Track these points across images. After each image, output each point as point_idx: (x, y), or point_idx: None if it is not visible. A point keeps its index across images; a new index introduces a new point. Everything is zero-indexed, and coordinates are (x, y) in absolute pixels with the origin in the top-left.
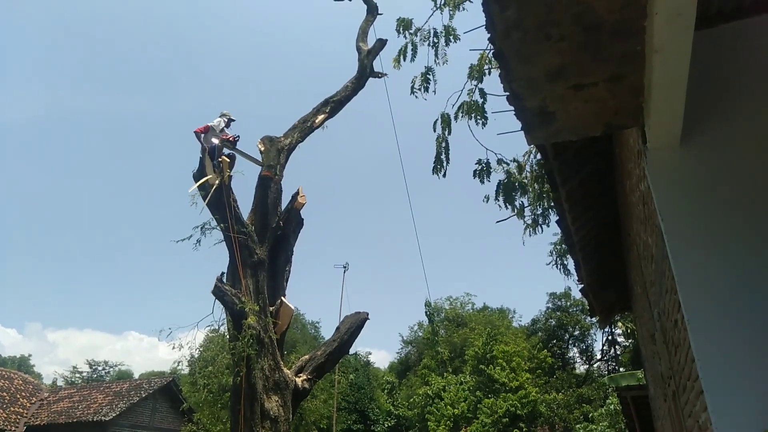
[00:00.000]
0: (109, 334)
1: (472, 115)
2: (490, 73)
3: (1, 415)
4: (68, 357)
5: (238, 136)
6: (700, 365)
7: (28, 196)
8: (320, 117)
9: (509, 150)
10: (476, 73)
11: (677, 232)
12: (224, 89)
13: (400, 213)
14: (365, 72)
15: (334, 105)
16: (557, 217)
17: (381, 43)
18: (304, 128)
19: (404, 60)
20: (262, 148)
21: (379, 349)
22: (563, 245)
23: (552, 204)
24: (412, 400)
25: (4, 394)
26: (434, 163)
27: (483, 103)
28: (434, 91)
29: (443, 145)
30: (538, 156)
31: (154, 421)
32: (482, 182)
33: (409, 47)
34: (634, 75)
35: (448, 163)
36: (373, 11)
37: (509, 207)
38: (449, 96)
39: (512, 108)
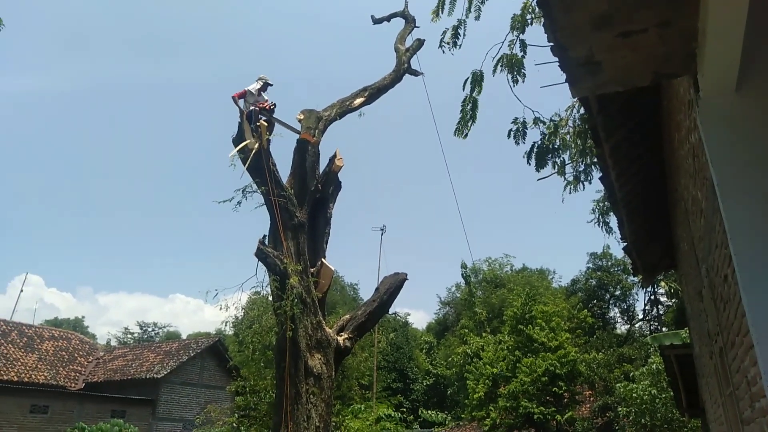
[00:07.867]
0: (157, 297)
1: (512, 70)
2: (532, 24)
3: (62, 372)
4: (120, 319)
5: (275, 104)
6: (751, 319)
7: (75, 169)
8: (358, 100)
9: (551, 106)
10: (518, 23)
11: (730, 184)
12: (264, 55)
13: (439, 175)
14: (402, 67)
15: (372, 92)
16: (600, 174)
17: (419, 43)
18: (343, 107)
19: (442, 13)
20: (302, 117)
21: (417, 310)
22: (606, 203)
23: (595, 160)
24: (450, 359)
25: (64, 353)
26: (457, 123)
27: (523, 56)
28: (459, 46)
29: (469, 105)
30: (581, 111)
31: (203, 379)
32: (517, 143)
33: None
34: (686, 19)
35: (474, 122)
36: (411, 22)
37: (540, 171)
38: (488, 50)
39: (556, 59)
